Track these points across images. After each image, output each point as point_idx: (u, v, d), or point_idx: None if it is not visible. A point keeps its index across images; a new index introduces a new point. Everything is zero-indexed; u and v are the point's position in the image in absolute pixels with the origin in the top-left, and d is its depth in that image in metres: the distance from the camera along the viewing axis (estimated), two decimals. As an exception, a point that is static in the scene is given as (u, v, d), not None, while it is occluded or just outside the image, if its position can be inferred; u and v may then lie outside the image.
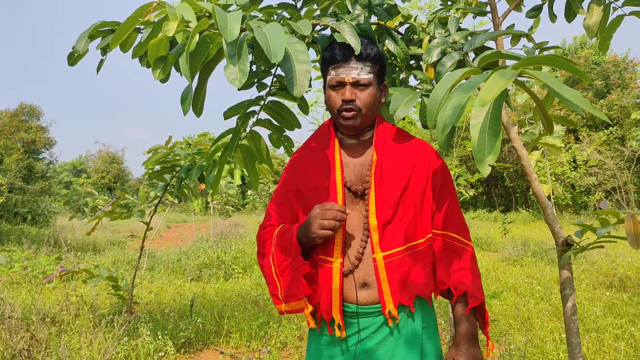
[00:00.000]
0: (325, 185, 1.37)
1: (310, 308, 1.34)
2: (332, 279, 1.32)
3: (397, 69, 1.64)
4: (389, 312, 1.29)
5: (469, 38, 1.40)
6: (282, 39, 1.03)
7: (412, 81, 1.63)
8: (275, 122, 1.78)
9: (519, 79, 1.09)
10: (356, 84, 1.32)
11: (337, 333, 1.33)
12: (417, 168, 1.37)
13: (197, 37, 1.07)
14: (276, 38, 1.03)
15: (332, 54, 1.33)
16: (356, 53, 1.26)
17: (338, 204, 1.28)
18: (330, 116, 1.47)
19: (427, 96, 1.39)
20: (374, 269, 1.31)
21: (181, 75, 1.23)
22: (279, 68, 1.60)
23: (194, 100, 1.27)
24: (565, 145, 16.62)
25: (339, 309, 1.32)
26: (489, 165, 0.83)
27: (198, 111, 1.30)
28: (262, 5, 1.45)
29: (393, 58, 1.56)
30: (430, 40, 1.46)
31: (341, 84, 1.33)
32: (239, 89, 1.09)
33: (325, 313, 1.34)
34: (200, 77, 1.29)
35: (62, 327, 4.01)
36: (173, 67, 1.34)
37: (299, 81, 1.09)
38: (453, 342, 1.33)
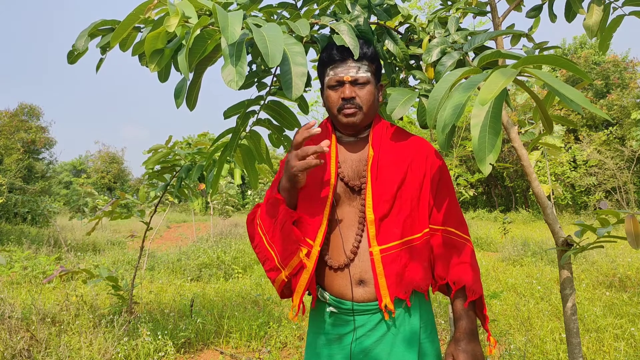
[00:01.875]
0: (319, 177, 1.38)
1: (305, 250, 1.32)
2: (306, 263, 1.32)
3: (396, 68, 1.64)
4: (385, 306, 1.29)
5: (469, 38, 1.40)
6: (280, 42, 1.03)
7: (412, 81, 1.63)
8: (275, 122, 1.78)
9: (519, 78, 1.09)
10: (355, 82, 1.33)
11: (290, 315, 1.34)
12: (414, 163, 1.38)
13: (196, 33, 1.07)
14: (274, 40, 1.03)
15: (330, 55, 1.35)
16: (355, 57, 1.28)
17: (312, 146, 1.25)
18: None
19: (426, 96, 1.39)
20: (370, 264, 1.31)
21: (181, 74, 1.23)
22: (279, 67, 1.60)
23: (188, 95, 1.27)
24: (565, 145, 16.62)
25: (301, 294, 1.32)
26: (490, 164, 0.83)
27: (191, 105, 1.30)
28: (262, 4, 1.45)
29: (393, 58, 1.56)
30: (430, 40, 1.46)
31: (340, 83, 1.34)
32: (236, 90, 1.09)
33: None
34: (196, 71, 1.29)
35: (62, 327, 4.01)
36: (173, 66, 1.34)
37: (295, 84, 1.09)
38: (452, 338, 1.33)
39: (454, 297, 1.34)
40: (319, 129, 1.24)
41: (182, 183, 3.88)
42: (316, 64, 1.84)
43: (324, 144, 1.21)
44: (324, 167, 1.39)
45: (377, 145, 1.38)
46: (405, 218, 1.34)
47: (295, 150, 1.25)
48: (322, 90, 1.44)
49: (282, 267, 1.33)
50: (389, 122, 1.46)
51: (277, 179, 1.51)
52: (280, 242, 1.33)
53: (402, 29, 1.65)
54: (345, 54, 1.32)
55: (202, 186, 3.90)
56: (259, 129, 1.84)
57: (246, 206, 27.35)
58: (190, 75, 1.25)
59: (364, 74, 1.33)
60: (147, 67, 1.30)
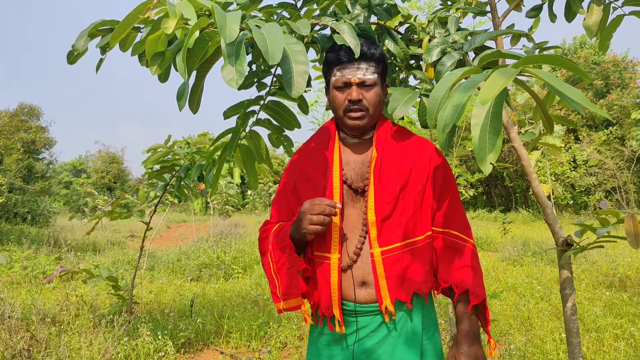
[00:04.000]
0: (322, 183, 1.37)
1: (307, 305, 1.34)
2: (330, 274, 1.32)
3: (396, 68, 1.64)
4: (386, 308, 1.29)
5: (469, 38, 1.40)
6: (280, 40, 1.03)
7: (412, 81, 1.63)
8: (274, 122, 1.78)
9: (520, 77, 1.09)
10: (362, 84, 1.33)
11: (337, 329, 1.33)
12: (417, 165, 1.37)
13: (195, 35, 1.07)
14: (274, 39, 1.03)
15: (337, 55, 1.33)
16: (356, 56, 1.26)
17: (328, 199, 1.27)
18: (331, 117, 1.47)
19: (427, 96, 1.39)
20: (371, 265, 1.31)
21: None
22: (279, 67, 1.60)
23: (191, 97, 1.27)
24: (565, 145, 16.61)
25: (338, 305, 1.32)
26: (490, 163, 0.83)
27: (194, 108, 1.30)
28: (262, 4, 1.45)
29: (393, 58, 1.56)
30: (430, 40, 1.46)
31: (347, 85, 1.33)
32: (237, 89, 1.09)
33: (325, 309, 1.34)
34: (198, 74, 1.29)
35: (62, 327, 4.01)
36: (173, 67, 1.34)
37: (296, 82, 1.09)
38: (454, 341, 1.33)
39: (456, 300, 1.34)
40: (339, 207, 1.26)
41: (182, 183, 3.88)
42: (316, 64, 1.84)
43: (337, 206, 1.24)
44: (329, 172, 1.38)
45: (380, 146, 1.37)
46: (408, 220, 1.33)
47: (309, 214, 1.25)
48: (327, 89, 1.43)
49: (283, 299, 1.35)
50: (391, 122, 1.45)
51: (280, 189, 1.51)
52: (284, 280, 1.34)
53: (402, 29, 1.65)
54: (353, 54, 1.31)
55: (202, 186, 3.90)
56: (258, 129, 1.84)
57: (246, 206, 27.36)
58: (193, 78, 1.25)
59: (371, 75, 1.32)
60: (147, 67, 1.30)
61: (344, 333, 1.35)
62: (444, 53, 1.37)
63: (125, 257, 8.53)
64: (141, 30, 1.31)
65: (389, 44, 1.51)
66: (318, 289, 1.36)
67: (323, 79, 1.56)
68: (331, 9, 1.49)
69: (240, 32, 1.09)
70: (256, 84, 1.69)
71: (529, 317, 4.40)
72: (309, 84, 1.71)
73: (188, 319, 4.35)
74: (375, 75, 1.33)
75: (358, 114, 1.33)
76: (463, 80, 0.93)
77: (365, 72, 1.32)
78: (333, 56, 1.34)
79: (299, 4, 1.57)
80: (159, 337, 3.76)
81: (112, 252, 9.30)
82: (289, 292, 1.33)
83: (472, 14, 1.66)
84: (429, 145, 1.42)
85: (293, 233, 1.32)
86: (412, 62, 1.60)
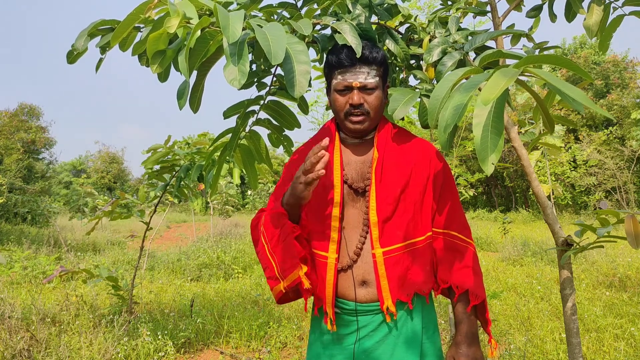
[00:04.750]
0: (322, 182, 1.37)
1: (305, 269, 1.27)
2: (326, 274, 1.32)
3: (397, 68, 1.64)
4: (387, 308, 1.29)
5: (470, 38, 1.40)
6: (283, 40, 1.03)
7: (412, 81, 1.63)
8: (274, 122, 1.78)
9: (520, 78, 1.09)
10: (363, 88, 1.32)
11: (329, 327, 1.33)
12: (418, 166, 1.37)
13: (197, 34, 1.07)
14: (277, 39, 1.03)
15: (338, 58, 1.33)
16: (357, 55, 1.26)
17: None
18: (331, 116, 1.47)
19: (427, 96, 1.39)
20: (373, 265, 1.31)
21: (181, 74, 1.23)
22: (279, 67, 1.60)
23: (191, 96, 1.27)
24: (565, 145, 16.61)
25: (331, 303, 1.32)
26: (492, 163, 0.83)
27: (195, 107, 1.30)
28: (263, 4, 1.45)
29: (393, 58, 1.56)
30: (430, 40, 1.46)
31: (348, 89, 1.33)
32: (238, 89, 1.09)
33: (319, 305, 1.35)
34: (199, 73, 1.29)
35: (62, 327, 4.01)
36: (172, 66, 1.34)
37: (298, 82, 1.09)
38: (453, 342, 1.33)
39: (456, 301, 1.34)
40: (327, 141, 1.20)
41: (182, 183, 3.88)
42: (316, 64, 1.84)
43: (324, 142, 1.19)
44: (329, 171, 1.37)
45: (381, 147, 1.37)
46: (409, 221, 1.34)
47: (304, 166, 1.22)
48: (328, 89, 1.43)
49: (281, 278, 1.30)
50: (392, 124, 1.46)
51: (280, 184, 1.50)
52: (280, 255, 1.30)
53: (402, 29, 1.65)
54: (354, 57, 1.30)
55: (202, 186, 3.90)
56: (258, 129, 1.84)
57: (246, 206, 27.36)
58: (193, 77, 1.25)
59: (372, 79, 1.32)
60: (147, 67, 1.30)
61: (344, 333, 1.35)
62: (444, 53, 1.37)
63: (125, 257, 8.53)
64: (141, 30, 1.31)
65: (389, 44, 1.51)
66: (314, 284, 1.36)
67: (323, 79, 1.56)
68: (332, 8, 1.49)
69: (242, 31, 1.09)
70: (256, 83, 1.69)
71: (529, 317, 4.40)
72: (309, 84, 1.71)
73: (188, 319, 4.35)
74: (377, 79, 1.33)
75: (359, 118, 1.33)
76: (464, 80, 0.93)
77: (366, 76, 1.32)
78: (334, 59, 1.34)
79: (299, 4, 1.56)
80: (159, 337, 3.76)
81: (112, 252, 9.30)
82: (286, 267, 1.27)
83: (473, 14, 1.66)
84: (429, 147, 1.43)
85: (287, 198, 1.29)
86: (412, 62, 1.60)
